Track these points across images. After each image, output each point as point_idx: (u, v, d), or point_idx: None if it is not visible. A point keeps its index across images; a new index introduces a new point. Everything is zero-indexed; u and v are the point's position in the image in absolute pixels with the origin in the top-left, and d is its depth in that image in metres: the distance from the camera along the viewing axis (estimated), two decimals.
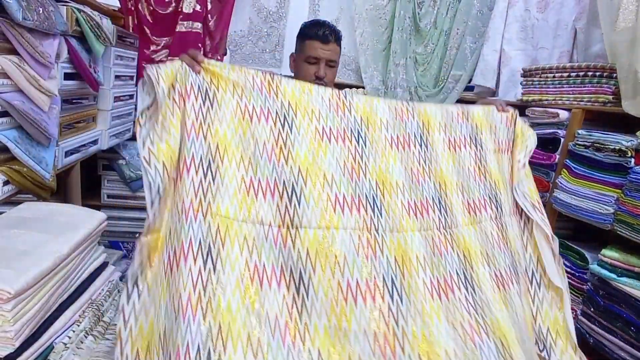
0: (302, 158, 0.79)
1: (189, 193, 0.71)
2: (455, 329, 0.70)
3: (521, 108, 1.83)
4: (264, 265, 0.69)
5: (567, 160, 1.56)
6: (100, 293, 0.99)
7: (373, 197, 0.81)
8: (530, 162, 1.71)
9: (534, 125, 1.75)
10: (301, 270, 0.69)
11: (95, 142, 1.59)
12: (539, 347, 0.88)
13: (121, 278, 1.12)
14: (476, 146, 1.00)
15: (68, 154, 1.38)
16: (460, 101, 2.29)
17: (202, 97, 0.78)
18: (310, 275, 0.69)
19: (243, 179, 0.75)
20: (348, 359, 0.65)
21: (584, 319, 1.41)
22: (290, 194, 0.75)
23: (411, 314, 0.69)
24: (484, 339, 0.70)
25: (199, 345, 0.61)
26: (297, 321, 0.66)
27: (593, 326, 1.37)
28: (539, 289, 0.94)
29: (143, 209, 2.27)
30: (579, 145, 1.51)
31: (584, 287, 1.44)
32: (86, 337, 0.86)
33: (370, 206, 0.79)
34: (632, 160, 1.34)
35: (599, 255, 1.39)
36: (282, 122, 0.81)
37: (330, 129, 0.83)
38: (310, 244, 0.71)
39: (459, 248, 0.84)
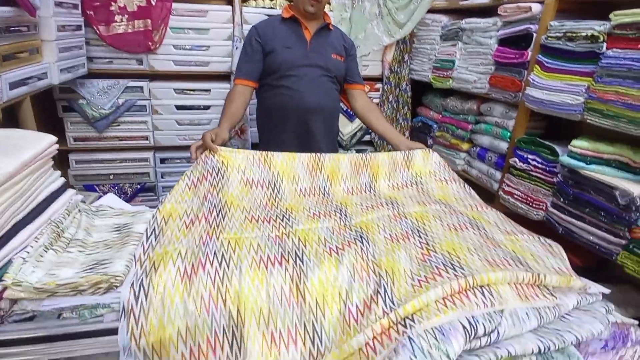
0: (287, 204, 1.12)
1: (206, 229, 0.94)
2: (410, 257, 0.88)
3: (492, 10, 1.75)
4: (267, 255, 0.87)
5: (540, 56, 1.52)
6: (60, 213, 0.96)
7: (340, 210, 1.11)
8: (502, 63, 1.69)
9: (506, 25, 1.68)
10: (296, 250, 0.89)
11: (43, 75, 1.49)
12: None
13: (83, 201, 1.10)
14: (416, 185, 1.30)
15: (13, 86, 1.30)
16: (430, 10, 2.18)
17: (216, 174, 1.13)
18: (303, 250, 0.89)
19: (246, 217, 1.02)
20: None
21: (554, 210, 1.45)
22: (282, 219, 1.03)
23: (377, 250, 0.90)
24: (432, 254, 0.88)
25: (224, 328, 0.75)
26: (297, 283, 0.82)
27: (563, 215, 1.41)
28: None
29: (113, 149, 2.24)
30: (552, 37, 1.46)
31: (554, 179, 1.46)
32: (46, 251, 0.85)
33: (339, 214, 1.07)
34: (604, 45, 1.29)
35: (569, 147, 1.39)
36: (273, 187, 1.18)
37: (305, 188, 1.21)
38: (301, 234, 0.95)
39: (412, 217, 1.06)
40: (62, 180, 1.07)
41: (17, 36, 1.35)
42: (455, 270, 0.79)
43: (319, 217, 1.05)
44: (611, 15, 1.27)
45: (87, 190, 2.06)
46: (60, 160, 1.99)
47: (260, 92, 1.64)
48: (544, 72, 1.49)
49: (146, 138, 2.08)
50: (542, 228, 1.48)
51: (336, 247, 0.91)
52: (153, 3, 1.93)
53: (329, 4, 2.15)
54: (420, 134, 2.30)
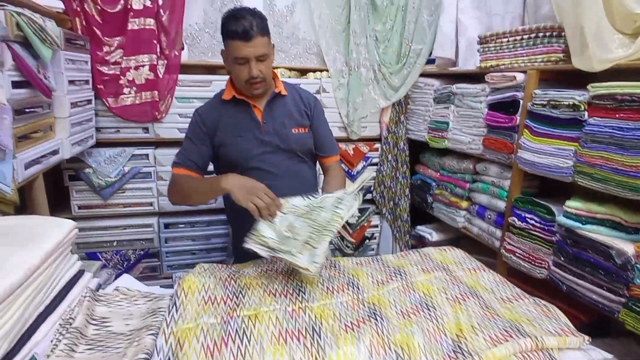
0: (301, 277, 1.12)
1: (226, 310, 0.97)
2: (422, 331, 0.93)
3: (481, 75, 1.88)
4: (285, 329, 0.91)
5: (527, 120, 1.62)
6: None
7: (352, 282, 1.13)
8: (493, 127, 1.80)
9: (494, 91, 1.81)
10: (313, 326, 0.92)
11: (56, 151, 1.53)
12: None
13: (100, 287, 1.10)
14: (418, 252, 1.34)
15: (28, 166, 1.33)
16: (423, 75, 2.33)
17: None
18: (320, 326, 0.92)
19: (264, 291, 1.06)
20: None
21: (556, 269, 1.49)
22: (297, 292, 1.06)
23: (391, 326, 0.94)
24: (443, 337, 0.92)
25: None
26: (316, 357, 0.84)
27: (565, 274, 1.45)
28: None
29: (117, 216, 2.25)
30: (537, 104, 1.57)
31: (553, 238, 1.51)
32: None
33: (352, 288, 1.10)
34: (586, 113, 1.40)
35: (563, 207, 1.46)
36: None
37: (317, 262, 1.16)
38: (316, 311, 0.98)
39: (420, 290, 1.11)
40: (80, 264, 1.08)
41: (32, 116, 1.39)
42: (465, 356, 0.84)
43: (333, 292, 1.08)
44: (589, 87, 1.38)
45: (90, 257, 2.04)
46: None
47: None
48: (533, 137, 1.59)
49: (151, 204, 2.11)
50: (548, 285, 1.53)
51: (351, 323, 0.94)
52: (161, 76, 2.03)
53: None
54: (420, 192, 2.37)
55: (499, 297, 1.09)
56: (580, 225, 1.40)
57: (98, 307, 0.99)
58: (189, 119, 2.07)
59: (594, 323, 1.54)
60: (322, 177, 1.54)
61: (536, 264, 1.57)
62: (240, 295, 1.03)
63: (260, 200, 1.11)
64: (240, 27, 1.18)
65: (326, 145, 1.47)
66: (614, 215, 1.35)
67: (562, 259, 1.46)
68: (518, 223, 1.65)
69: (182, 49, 2.12)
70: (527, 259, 1.61)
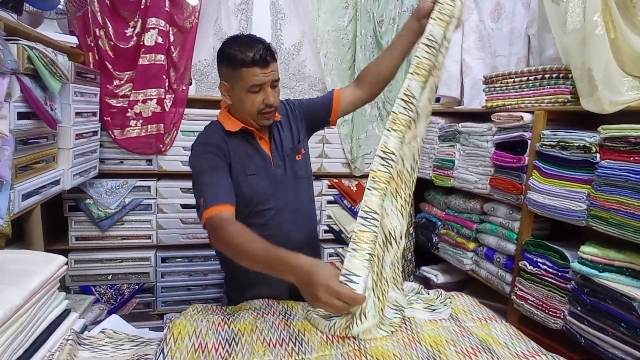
0: (299, 325, 1.07)
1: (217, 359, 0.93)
2: None
3: (486, 114, 1.87)
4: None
5: (536, 161, 1.58)
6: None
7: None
8: (501, 166, 1.76)
9: (501, 130, 1.79)
10: None
11: (57, 182, 1.52)
12: None
13: (85, 328, 1.04)
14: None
15: (25, 197, 1.31)
16: None
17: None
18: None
19: (258, 338, 0.99)
20: None
21: (572, 319, 1.39)
22: (294, 342, 1.00)
23: None
24: None
25: None
26: None
27: (582, 325, 1.35)
28: None
29: (114, 248, 2.20)
30: (546, 145, 1.54)
31: (568, 286, 1.43)
32: None
33: (353, 338, 1.02)
34: (598, 155, 1.36)
35: (578, 252, 1.39)
36: (284, 313, 1.14)
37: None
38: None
39: (427, 342, 1.03)
40: (66, 302, 1.03)
41: (36, 147, 1.39)
42: None
43: (332, 342, 1.01)
44: (600, 129, 1.35)
45: (84, 291, 1.98)
46: None
47: None
48: (543, 178, 1.55)
49: (149, 237, 2.06)
50: (565, 336, 1.43)
51: None
52: (167, 109, 2.05)
53: None
54: (425, 231, 2.31)
55: (514, 353, 1.01)
56: (597, 272, 1.32)
57: (81, 352, 0.92)
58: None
59: None
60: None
61: (550, 313, 1.48)
62: (233, 342, 0.97)
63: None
64: (257, 54, 1.14)
65: (328, 96, 1.46)
66: (634, 263, 1.28)
67: (579, 308, 1.37)
68: (529, 268, 1.57)
69: (190, 83, 2.15)
70: (540, 307, 1.52)
